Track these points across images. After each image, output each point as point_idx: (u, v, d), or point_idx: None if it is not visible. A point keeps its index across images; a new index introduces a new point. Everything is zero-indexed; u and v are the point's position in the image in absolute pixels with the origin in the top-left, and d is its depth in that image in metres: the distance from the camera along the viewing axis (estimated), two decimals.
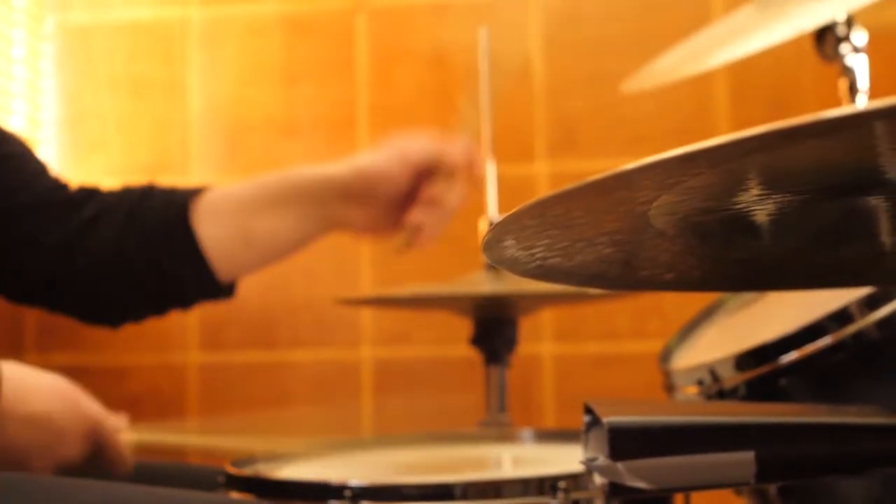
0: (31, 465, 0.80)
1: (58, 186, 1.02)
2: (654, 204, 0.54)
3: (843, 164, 0.51)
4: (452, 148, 0.99)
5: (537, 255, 0.59)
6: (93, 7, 2.09)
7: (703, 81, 1.87)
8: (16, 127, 1.98)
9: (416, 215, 0.99)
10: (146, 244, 0.98)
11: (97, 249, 0.99)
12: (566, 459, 0.88)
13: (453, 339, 1.95)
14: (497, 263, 0.59)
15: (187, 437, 0.91)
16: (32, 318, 2.03)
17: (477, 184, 1.00)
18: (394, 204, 0.99)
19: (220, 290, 1.02)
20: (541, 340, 1.93)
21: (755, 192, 0.54)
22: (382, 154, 0.99)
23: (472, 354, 1.25)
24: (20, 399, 0.79)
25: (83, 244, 0.98)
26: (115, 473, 0.86)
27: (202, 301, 1.04)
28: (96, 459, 0.84)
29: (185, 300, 1.03)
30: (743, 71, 1.89)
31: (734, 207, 0.56)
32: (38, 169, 1.03)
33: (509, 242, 0.56)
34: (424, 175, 0.99)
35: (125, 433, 0.87)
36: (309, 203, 0.99)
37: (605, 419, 0.60)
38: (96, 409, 0.84)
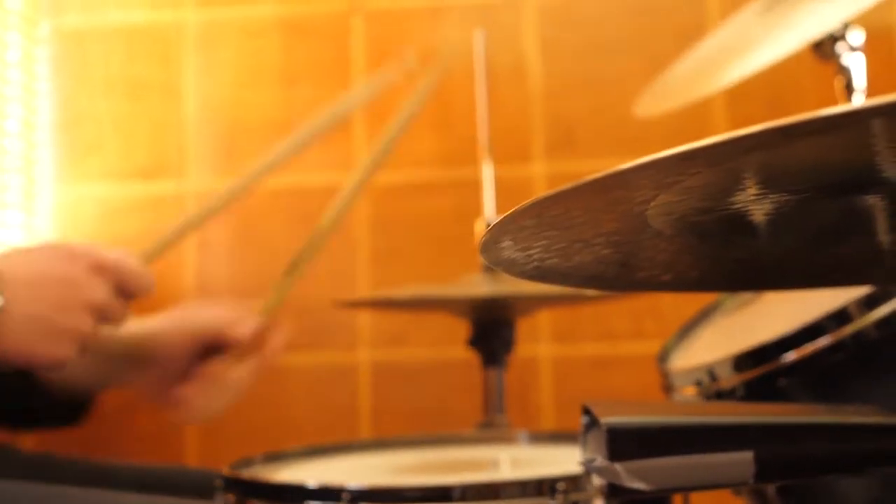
0: (66, 322, 0.78)
1: None
2: (652, 204, 0.54)
3: (841, 162, 0.51)
4: (241, 326, 0.98)
5: (534, 256, 0.59)
6: (88, 10, 2.09)
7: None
8: (12, 130, 1.98)
9: (183, 389, 0.97)
10: None
11: None
12: (564, 461, 0.88)
13: (451, 341, 1.95)
14: (494, 265, 0.59)
15: (186, 223, 0.91)
16: None
17: (271, 365, 0.99)
18: (172, 374, 0.98)
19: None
20: (539, 342, 1.93)
21: (753, 191, 0.54)
22: (168, 321, 0.99)
23: (469, 356, 1.25)
24: (19, 273, 0.78)
25: None
26: (142, 295, 0.85)
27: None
28: (122, 291, 0.83)
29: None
30: None
31: (732, 207, 0.56)
32: None
33: (506, 243, 0.56)
34: (210, 350, 0.98)
35: (133, 257, 0.86)
36: (97, 357, 0.97)
37: (604, 420, 0.60)
38: (91, 246, 0.83)
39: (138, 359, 0.98)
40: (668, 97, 1.10)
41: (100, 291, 0.81)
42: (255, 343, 0.98)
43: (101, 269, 0.82)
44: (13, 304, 0.75)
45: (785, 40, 0.93)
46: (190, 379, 0.96)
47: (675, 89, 1.09)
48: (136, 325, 0.98)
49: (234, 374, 0.98)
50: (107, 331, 0.83)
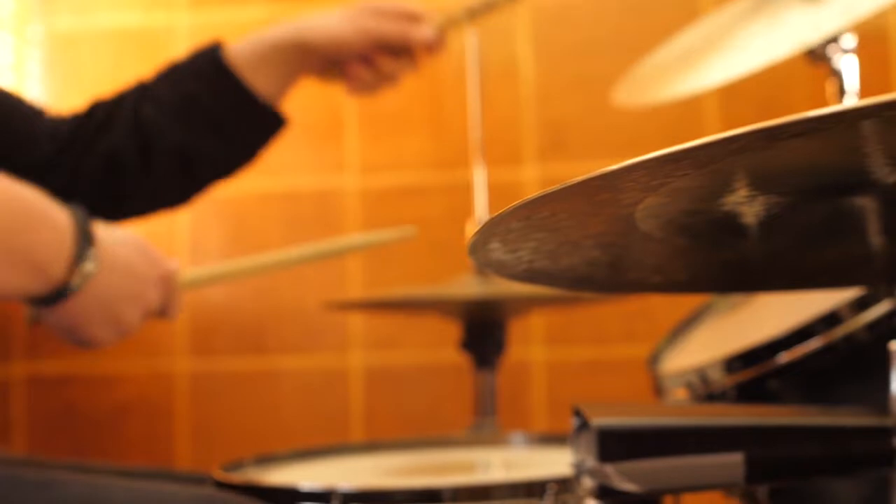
0: (124, 314, 0.84)
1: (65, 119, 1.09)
2: (640, 206, 0.54)
3: (831, 164, 0.51)
4: (418, 33, 1.05)
5: (524, 259, 0.59)
6: (79, 13, 2.09)
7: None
8: None
9: (360, 72, 1.08)
10: (194, 105, 1.05)
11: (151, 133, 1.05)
12: (556, 463, 0.88)
13: (443, 344, 1.95)
14: (483, 267, 0.59)
15: (230, 266, 0.96)
16: (20, 327, 2.02)
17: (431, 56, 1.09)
18: (347, 61, 1.08)
19: (274, 117, 1.09)
20: (531, 345, 1.93)
21: (742, 193, 0.54)
22: (347, 23, 1.06)
23: (461, 359, 1.25)
24: (109, 252, 0.82)
25: (143, 133, 1.04)
26: (170, 317, 0.91)
27: (263, 139, 1.09)
28: (164, 306, 0.89)
29: (248, 146, 1.09)
30: None
31: (721, 209, 0.56)
32: (34, 113, 1.09)
33: (495, 245, 0.56)
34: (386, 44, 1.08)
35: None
36: (283, 60, 1.07)
37: (594, 422, 0.60)
38: (160, 255, 0.89)
39: (322, 56, 1.07)
40: (647, 89, 1.10)
41: (157, 300, 0.87)
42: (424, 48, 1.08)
43: (165, 281, 0.88)
44: (98, 278, 0.81)
45: (773, 44, 0.93)
46: (366, 64, 1.08)
47: (655, 81, 1.09)
48: (320, 29, 1.07)
49: (402, 68, 1.09)
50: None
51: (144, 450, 2.00)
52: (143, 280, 0.85)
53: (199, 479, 0.87)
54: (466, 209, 1.22)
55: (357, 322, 1.98)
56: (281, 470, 0.93)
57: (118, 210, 1.06)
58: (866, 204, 0.58)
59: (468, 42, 1.21)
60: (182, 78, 1.06)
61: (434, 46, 1.08)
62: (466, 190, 1.24)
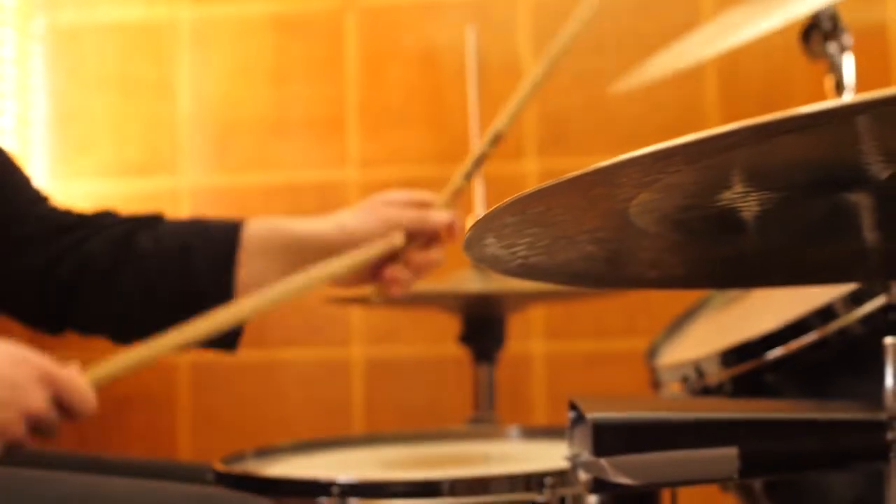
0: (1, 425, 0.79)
1: (62, 214, 1.04)
2: (634, 201, 0.54)
3: (825, 160, 0.51)
4: (436, 217, 1.01)
5: (519, 254, 0.59)
6: (82, 7, 2.09)
7: (692, 79, 1.88)
8: (6, 126, 1.98)
9: (395, 272, 1.01)
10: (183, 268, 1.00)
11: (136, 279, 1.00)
12: (553, 456, 0.89)
13: (443, 338, 1.95)
14: (479, 262, 0.60)
15: (141, 351, 0.91)
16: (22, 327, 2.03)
17: (455, 243, 1.04)
18: (374, 262, 1.02)
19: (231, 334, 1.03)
20: (531, 338, 1.93)
21: (737, 189, 0.55)
22: (368, 217, 1.02)
23: (461, 353, 1.25)
24: None
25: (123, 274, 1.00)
26: (81, 417, 0.86)
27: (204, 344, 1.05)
28: (62, 407, 0.84)
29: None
30: (732, 68, 1.89)
31: (716, 205, 0.57)
32: (34, 196, 1.04)
33: (490, 241, 0.56)
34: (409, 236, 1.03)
35: (81, 375, 0.87)
36: (294, 256, 1.02)
37: (589, 415, 0.60)
38: (43, 359, 0.84)
39: (333, 255, 1.01)
40: (643, 76, 1.10)
41: (39, 401, 0.81)
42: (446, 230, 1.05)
43: (47, 381, 0.83)
44: None
45: (767, 20, 0.94)
46: (399, 264, 1.02)
47: (651, 70, 1.10)
48: (332, 223, 1.03)
49: (433, 256, 1.04)
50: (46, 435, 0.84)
51: (147, 441, 2.01)
52: (10, 384, 0.80)
53: (200, 471, 0.87)
54: (467, 203, 1.23)
55: (358, 316, 1.98)
56: (281, 462, 0.94)
57: (63, 319, 1.04)
58: (861, 200, 0.58)
59: (468, 38, 1.21)
60: (192, 230, 1.02)
61: (453, 227, 1.04)
62: (467, 185, 1.24)
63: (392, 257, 1.01)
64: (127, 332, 1.04)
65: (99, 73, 2.08)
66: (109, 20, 2.09)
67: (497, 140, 1.05)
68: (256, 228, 1.02)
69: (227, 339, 1.03)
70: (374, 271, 1.01)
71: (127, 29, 2.08)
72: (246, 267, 1.00)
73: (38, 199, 1.03)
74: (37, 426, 0.81)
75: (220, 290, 0.99)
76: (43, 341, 2.07)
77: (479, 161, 1.04)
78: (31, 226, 0.99)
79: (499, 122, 1.05)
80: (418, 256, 1.02)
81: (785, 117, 0.41)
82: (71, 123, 2.08)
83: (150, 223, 1.02)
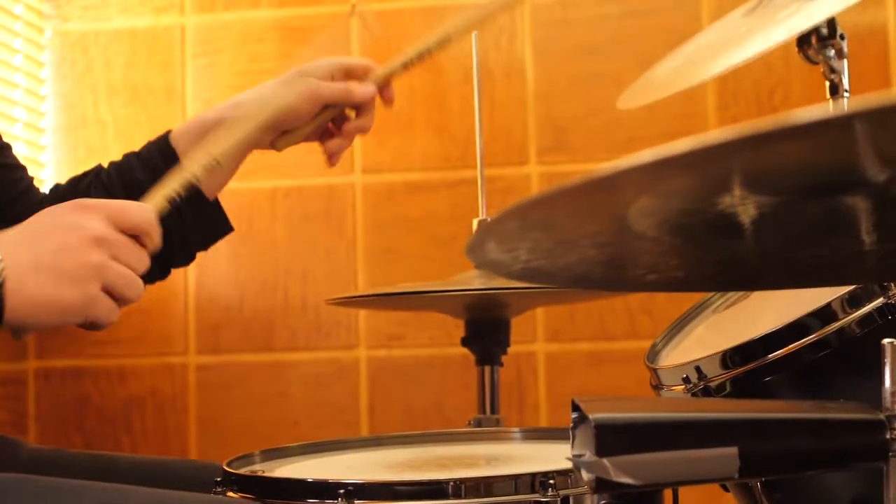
0: (65, 259, 0.76)
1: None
2: (634, 206, 0.55)
3: (822, 164, 0.52)
4: (360, 91, 1.05)
5: (521, 258, 0.60)
6: (91, 16, 2.11)
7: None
8: (17, 134, 2.00)
9: (335, 144, 1.08)
10: (139, 194, 1.00)
11: None
12: (557, 456, 0.90)
13: (447, 340, 1.96)
14: (481, 266, 0.61)
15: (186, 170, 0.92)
16: None
17: (390, 105, 1.10)
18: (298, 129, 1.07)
19: (218, 220, 1.08)
20: (534, 339, 1.94)
21: (735, 193, 0.55)
22: (292, 90, 1.04)
23: (466, 354, 1.26)
24: (21, 227, 0.77)
25: None
26: (150, 235, 0.82)
27: (204, 240, 1.07)
28: (129, 229, 0.80)
29: (186, 244, 1.07)
30: (731, 72, 1.90)
31: (715, 209, 0.57)
32: (28, 181, 1.06)
33: (492, 245, 0.57)
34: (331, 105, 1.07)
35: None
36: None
37: (592, 416, 0.61)
38: (101, 200, 0.82)
39: (271, 126, 1.05)
40: (650, 91, 1.11)
41: (99, 225, 0.78)
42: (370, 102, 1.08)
43: (110, 214, 0.79)
44: (13, 262, 0.73)
45: (768, 36, 0.95)
46: (328, 133, 1.07)
47: (657, 84, 1.11)
48: (254, 96, 1.05)
49: (364, 122, 1.08)
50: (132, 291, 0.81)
51: (156, 442, 2.03)
52: (69, 226, 0.76)
53: (212, 470, 0.88)
54: (471, 207, 1.24)
55: (364, 319, 1.99)
56: (287, 464, 0.95)
57: None
58: (858, 203, 0.58)
59: (471, 43, 1.22)
60: (132, 166, 1.05)
61: (385, 98, 1.07)
62: (471, 187, 1.26)
63: (324, 133, 1.07)
64: None
65: (107, 80, 2.09)
66: (117, 28, 2.10)
67: (444, 42, 1.08)
68: (182, 131, 1.06)
69: (223, 222, 1.09)
70: (293, 133, 1.06)
71: (134, 36, 2.10)
72: None
73: (41, 203, 1.04)
74: (115, 253, 0.78)
75: (189, 199, 1.00)
76: (50, 346, 2.08)
77: (422, 55, 1.06)
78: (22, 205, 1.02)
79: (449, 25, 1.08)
80: (352, 124, 1.07)
81: (781, 126, 0.42)
82: (80, 130, 2.09)
83: (95, 176, 1.05)
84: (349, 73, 1.06)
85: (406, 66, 1.07)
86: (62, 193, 1.05)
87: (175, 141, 1.05)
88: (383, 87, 1.07)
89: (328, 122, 1.07)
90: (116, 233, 0.78)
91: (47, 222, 0.78)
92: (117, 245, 0.78)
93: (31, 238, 0.76)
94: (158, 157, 1.04)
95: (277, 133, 1.06)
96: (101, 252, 0.77)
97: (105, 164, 1.09)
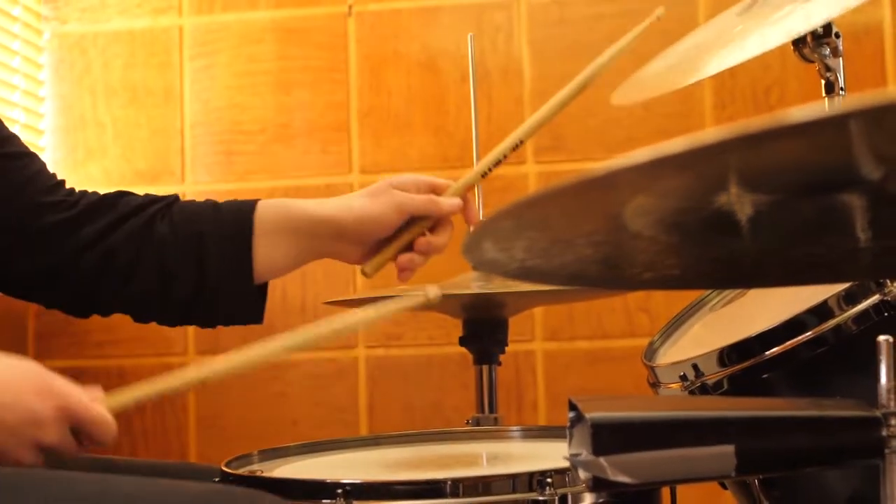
0: (12, 453, 0.79)
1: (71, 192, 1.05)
2: (629, 205, 0.56)
3: (817, 163, 0.52)
4: (446, 203, 1.03)
5: (517, 257, 0.61)
6: (89, 17, 2.11)
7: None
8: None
9: (409, 263, 1.04)
10: (198, 247, 1.01)
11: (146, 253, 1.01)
12: (555, 455, 0.90)
13: (445, 339, 1.96)
14: (478, 266, 0.61)
15: (161, 383, 0.91)
16: (33, 323, 2.05)
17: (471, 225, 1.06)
18: (383, 242, 1.04)
19: (252, 309, 1.06)
20: (532, 338, 1.95)
21: (731, 192, 0.56)
22: (377, 200, 1.03)
23: (463, 353, 1.27)
24: None
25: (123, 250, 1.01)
26: (102, 445, 0.85)
27: (229, 317, 1.06)
28: (79, 437, 0.83)
29: (217, 309, 1.05)
30: (727, 70, 1.90)
31: (710, 208, 0.58)
32: (48, 184, 1.05)
33: (488, 245, 0.57)
34: (414, 219, 1.04)
35: (101, 403, 0.86)
36: (304, 237, 1.03)
37: (588, 415, 0.61)
38: (67, 385, 0.83)
39: (350, 236, 1.03)
40: (643, 89, 1.11)
41: (56, 436, 0.81)
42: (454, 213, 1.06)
43: (67, 414, 0.82)
44: None
45: (763, 38, 0.95)
46: (408, 249, 1.04)
47: (651, 82, 1.11)
48: (343, 204, 1.04)
49: (441, 240, 1.04)
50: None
51: (155, 443, 2.03)
52: (31, 419, 0.79)
53: (212, 472, 0.89)
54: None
55: None
56: (286, 464, 0.95)
57: (94, 304, 1.04)
58: (853, 200, 0.59)
59: (468, 45, 1.22)
60: (205, 219, 1.03)
61: (466, 210, 1.05)
62: (481, 180, 1.25)
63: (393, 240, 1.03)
64: (147, 315, 1.05)
65: (105, 82, 2.10)
66: (115, 29, 2.10)
67: (518, 146, 1.07)
68: (268, 209, 1.03)
69: (254, 311, 1.06)
70: (375, 246, 1.04)
71: (133, 38, 2.10)
72: (260, 249, 1.02)
73: (53, 187, 1.03)
74: (51, 452, 0.81)
75: (235, 274, 1.01)
76: (50, 347, 2.08)
77: (498, 162, 1.06)
78: (49, 217, 1.00)
79: (522, 129, 1.07)
80: (433, 244, 1.03)
81: (776, 126, 0.42)
82: (78, 131, 2.10)
83: (167, 206, 1.03)
84: (433, 189, 1.05)
85: (484, 175, 1.07)
86: (126, 209, 1.02)
87: (258, 215, 1.02)
88: (466, 203, 1.05)
89: (414, 239, 1.04)
90: (69, 441, 0.82)
91: (21, 399, 0.80)
92: (61, 449, 0.82)
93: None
94: (233, 225, 1.02)
95: (361, 245, 1.04)
96: (40, 456, 0.80)
97: (182, 195, 1.07)
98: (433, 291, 0.91)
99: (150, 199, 1.04)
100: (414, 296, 0.94)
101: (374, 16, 2.05)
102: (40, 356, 2.05)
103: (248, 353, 0.93)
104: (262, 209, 1.03)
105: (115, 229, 1.01)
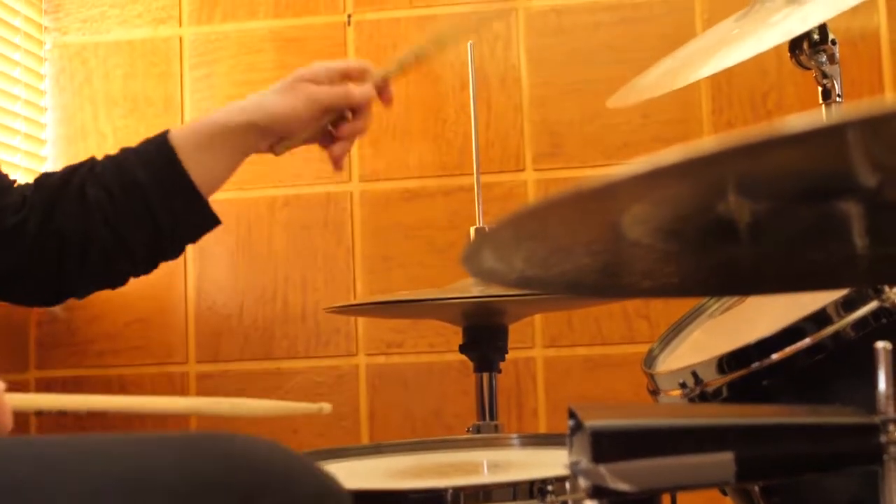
0: None
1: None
2: (627, 214, 0.56)
3: (815, 170, 0.52)
4: (358, 92, 1.06)
5: (517, 267, 0.61)
6: (90, 28, 2.12)
7: (686, 87, 1.90)
8: (17, 146, 2.01)
9: (332, 150, 1.09)
10: (135, 189, 1.03)
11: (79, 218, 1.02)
12: (555, 463, 0.90)
13: (446, 347, 1.97)
14: (477, 276, 0.61)
15: (63, 400, 0.90)
16: (34, 332, 2.05)
17: (389, 105, 1.10)
18: (300, 136, 1.08)
19: (209, 216, 1.08)
20: (532, 345, 1.95)
21: (729, 200, 0.56)
22: (289, 95, 1.05)
23: (464, 360, 1.27)
24: None
25: (61, 217, 1.02)
26: None
27: (194, 234, 1.07)
28: None
29: (177, 239, 1.07)
30: (725, 75, 1.91)
31: (708, 215, 0.58)
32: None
33: (487, 255, 0.58)
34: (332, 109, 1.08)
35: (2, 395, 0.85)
36: (224, 145, 1.06)
37: (588, 423, 0.61)
38: None
39: (272, 133, 1.06)
40: (640, 92, 1.12)
41: None
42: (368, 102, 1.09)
43: None
44: None
45: (760, 39, 0.95)
46: (330, 138, 1.08)
47: (648, 86, 1.11)
48: (254, 103, 1.06)
49: (360, 124, 1.08)
50: None
51: None
52: None
53: None
54: (468, 214, 1.24)
55: (363, 327, 2.00)
56: None
57: (62, 289, 1.05)
58: (850, 208, 0.59)
59: (467, 53, 1.23)
60: (131, 164, 1.04)
61: (384, 99, 1.08)
62: (468, 194, 1.26)
63: (324, 136, 1.07)
64: (119, 279, 1.07)
65: (106, 92, 2.10)
66: (116, 39, 2.11)
67: (439, 44, 1.08)
68: (181, 133, 1.05)
69: (211, 219, 1.07)
70: (293, 138, 1.07)
71: (133, 48, 2.10)
72: (191, 169, 1.04)
73: (6, 189, 1.04)
74: None
75: (183, 199, 1.03)
76: (51, 356, 2.08)
77: (418, 57, 1.07)
78: (6, 221, 1.01)
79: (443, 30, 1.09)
80: (356, 129, 1.07)
81: (774, 135, 0.42)
82: (79, 141, 2.10)
83: (90, 171, 1.04)
84: (346, 76, 1.06)
85: (403, 68, 1.08)
86: (55, 187, 1.04)
87: (174, 141, 1.05)
88: (382, 88, 1.07)
89: (326, 126, 1.08)
90: None
91: None
92: None
93: None
94: (157, 156, 1.04)
95: (276, 138, 1.07)
96: None
97: (99, 157, 1.08)
98: (326, 407, 0.94)
99: (71, 168, 1.06)
100: (309, 407, 0.95)
101: (372, 24, 2.05)
102: (42, 365, 2.05)
103: (146, 400, 0.92)
104: (175, 135, 1.05)
105: (55, 212, 1.02)
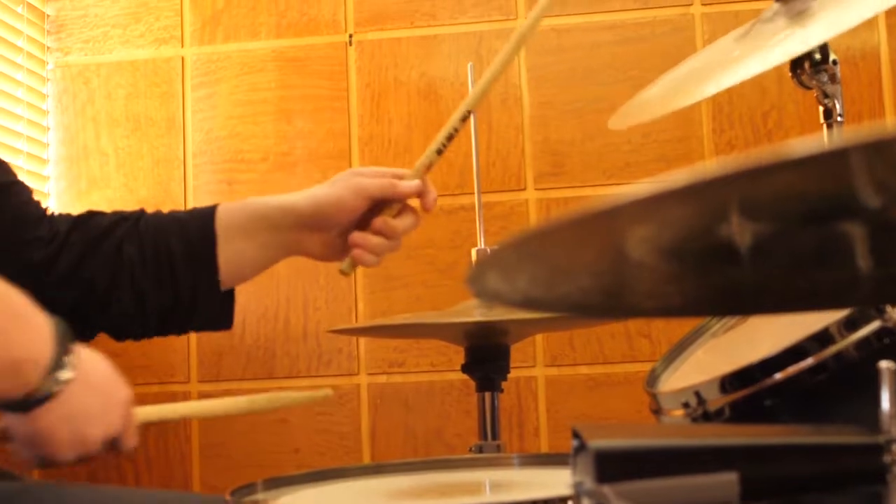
0: (90, 434, 0.80)
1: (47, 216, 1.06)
2: (630, 236, 0.56)
3: (818, 192, 0.52)
4: (404, 185, 1.06)
5: (520, 288, 0.61)
6: (92, 48, 2.13)
7: (686, 107, 1.91)
8: (20, 166, 2.01)
9: (362, 240, 1.05)
10: (166, 256, 1.03)
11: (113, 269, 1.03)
12: (558, 483, 0.90)
13: (448, 367, 1.97)
14: (481, 296, 0.62)
15: (187, 407, 0.93)
16: None
17: (427, 213, 1.10)
18: (348, 231, 1.06)
19: (225, 313, 1.08)
20: (534, 365, 1.95)
21: (731, 222, 0.56)
22: (337, 186, 1.05)
23: (466, 380, 1.27)
24: (85, 366, 0.80)
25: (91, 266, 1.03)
26: (126, 449, 0.86)
27: (206, 320, 1.07)
28: (122, 433, 0.85)
29: (191, 319, 1.07)
30: (726, 95, 1.92)
31: (711, 237, 0.58)
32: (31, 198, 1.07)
33: (491, 276, 0.58)
34: (377, 205, 1.07)
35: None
36: (270, 231, 1.05)
37: (591, 443, 0.61)
38: (127, 388, 0.86)
39: (314, 225, 1.05)
40: (640, 112, 1.12)
41: (118, 424, 0.83)
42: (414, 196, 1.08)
43: (126, 407, 0.84)
44: (73, 387, 0.78)
45: (761, 59, 0.96)
46: (367, 232, 1.06)
47: (648, 106, 1.12)
48: (303, 194, 1.06)
49: (401, 224, 1.07)
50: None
51: (159, 471, 2.02)
52: (110, 400, 0.82)
53: (212, 502, 0.89)
54: (470, 233, 1.25)
55: (364, 347, 2.00)
56: (290, 493, 0.95)
57: (75, 331, 1.07)
58: (853, 229, 0.59)
59: (467, 73, 1.23)
60: (169, 232, 1.04)
61: (424, 195, 1.08)
62: (470, 214, 1.26)
63: (360, 225, 1.05)
64: (125, 334, 1.08)
65: (108, 112, 2.11)
66: (118, 60, 2.12)
67: (466, 117, 1.08)
68: (228, 211, 1.05)
69: (223, 318, 1.08)
70: (344, 243, 1.05)
71: (135, 68, 2.11)
72: (225, 255, 1.04)
73: (38, 220, 1.04)
74: (97, 448, 0.83)
75: (203, 285, 1.04)
76: None
77: (450, 137, 1.07)
78: (32, 253, 1.02)
79: (469, 100, 1.08)
80: (389, 224, 1.05)
81: (778, 159, 0.42)
82: (82, 161, 2.11)
83: (134, 225, 1.05)
84: (395, 176, 1.07)
85: (439, 152, 1.09)
86: (99, 233, 1.04)
87: (220, 219, 1.04)
88: (424, 191, 1.07)
89: (368, 218, 1.07)
90: (119, 435, 0.85)
91: (105, 384, 0.83)
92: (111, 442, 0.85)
93: (91, 386, 0.81)
94: (196, 230, 1.04)
95: (324, 233, 1.06)
96: (102, 446, 0.84)
97: (148, 210, 1.08)
98: (327, 392, 0.95)
99: (118, 218, 1.05)
100: (311, 395, 0.96)
101: (374, 45, 2.06)
102: None
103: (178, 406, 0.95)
104: (222, 213, 1.05)
105: (89, 258, 1.02)
